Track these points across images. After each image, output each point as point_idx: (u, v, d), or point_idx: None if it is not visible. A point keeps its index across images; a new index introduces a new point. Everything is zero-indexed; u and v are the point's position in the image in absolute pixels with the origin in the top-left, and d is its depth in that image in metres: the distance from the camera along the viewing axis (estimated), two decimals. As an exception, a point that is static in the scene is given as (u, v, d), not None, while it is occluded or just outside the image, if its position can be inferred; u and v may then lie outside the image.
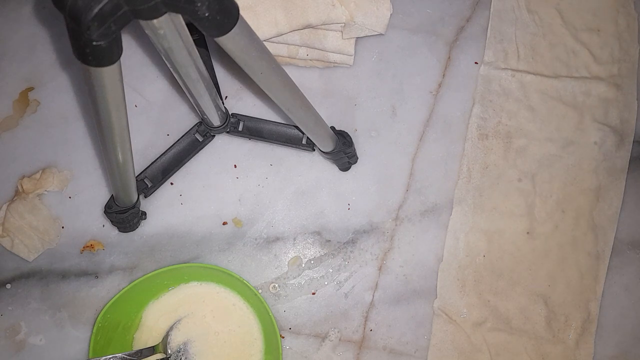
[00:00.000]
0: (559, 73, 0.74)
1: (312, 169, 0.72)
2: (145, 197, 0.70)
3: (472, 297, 0.70)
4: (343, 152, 0.66)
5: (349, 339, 0.69)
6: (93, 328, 0.63)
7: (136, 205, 0.65)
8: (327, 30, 0.70)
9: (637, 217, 0.72)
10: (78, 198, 0.71)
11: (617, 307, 0.71)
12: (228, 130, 0.68)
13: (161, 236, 0.71)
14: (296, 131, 0.69)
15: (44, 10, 0.76)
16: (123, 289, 0.63)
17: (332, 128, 0.65)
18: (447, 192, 0.72)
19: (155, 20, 0.35)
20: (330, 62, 0.73)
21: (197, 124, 0.70)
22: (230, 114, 0.68)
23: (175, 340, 0.66)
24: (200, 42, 0.69)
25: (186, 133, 0.70)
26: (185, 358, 0.66)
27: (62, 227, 0.71)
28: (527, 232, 0.71)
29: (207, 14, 0.34)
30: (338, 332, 0.69)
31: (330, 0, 0.68)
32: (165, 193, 0.71)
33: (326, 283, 0.70)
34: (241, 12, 0.37)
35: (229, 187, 0.72)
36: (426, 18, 0.75)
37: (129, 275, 0.70)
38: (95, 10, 0.31)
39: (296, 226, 0.71)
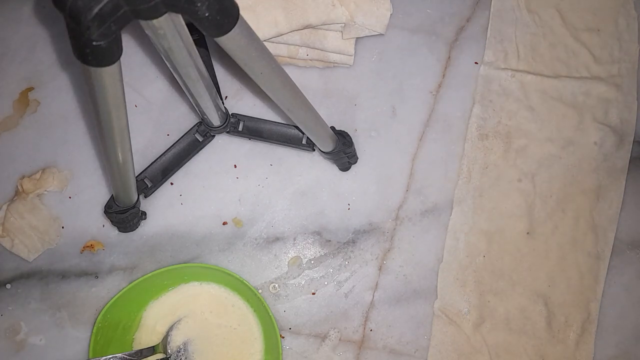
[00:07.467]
0: (559, 73, 0.74)
1: (312, 169, 0.72)
2: (145, 197, 0.70)
3: (472, 297, 0.70)
4: (343, 152, 0.66)
5: (349, 339, 0.69)
6: (93, 328, 0.63)
7: (136, 205, 0.65)
8: (327, 30, 0.70)
9: (637, 217, 0.72)
10: (78, 198, 0.71)
11: (617, 307, 0.71)
12: (228, 130, 0.68)
13: (161, 236, 0.71)
14: (296, 131, 0.69)
15: (44, 10, 0.76)
16: (123, 289, 0.63)
17: (332, 128, 0.65)
18: (447, 192, 0.72)
19: (155, 20, 0.35)
20: (330, 62, 0.73)
21: (197, 124, 0.70)
22: (230, 114, 0.68)
23: (175, 340, 0.66)
24: (200, 42, 0.69)
25: (186, 133, 0.70)
26: (185, 358, 0.66)
27: (62, 227, 0.71)
28: (527, 232, 0.71)
29: (207, 14, 0.34)
30: (338, 332, 0.69)
31: (330, 0, 0.68)
32: (165, 193, 0.71)
33: (326, 283, 0.70)
34: (241, 12, 0.37)
35: (229, 187, 0.72)
36: (426, 18, 0.75)
37: (129, 275, 0.70)
38: (95, 10, 0.31)
39: (296, 226, 0.71)
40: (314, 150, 0.70)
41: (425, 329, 0.69)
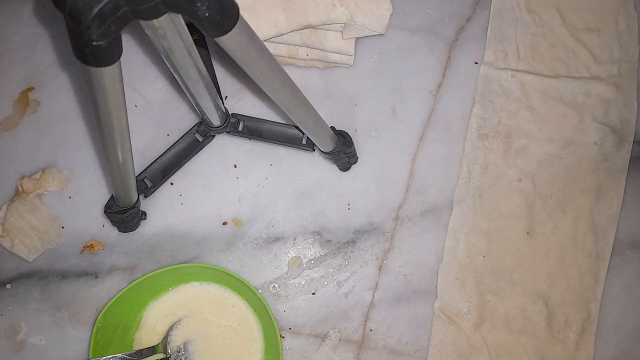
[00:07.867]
0: (559, 73, 0.74)
1: (312, 169, 0.72)
2: (145, 197, 0.70)
3: (472, 297, 0.70)
4: (343, 152, 0.66)
5: (349, 339, 0.69)
6: (93, 328, 0.63)
7: (136, 205, 0.65)
8: (327, 30, 0.70)
9: (637, 217, 0.72)
10: (78, 198, 0.71)
11: (617, 307, 0.71)
12: (228, 130, 0.68)
13: (161, 236, 0.71)
14: (296, 131, 0.69)
15: (44, 10, 0.76)
16: (123, 289, 0.63)
17: (332, 128, 0.65)
18: (447, 192, 0.72)
19: (155, 20, 0.35)
20: (330, 62, 0.73)
21: (197, 124, 0.70)
22: (230, 114, 0.68)
23: (175, 340, 0.66)
24: (200, 42, 0.69)
25: (186, 133, 0.70)
26: (185, 358, 0.66)
27: (62, 227, 0.71)
28: (527, 232, 0.71)
29: (207, 14, 0.34)
30: (338, 332, 0.69)
31: (330, 0, 0.68)
32: (165, 193, 0.71)
33: (326, 283, 0.70)
34: (241, 12, 0.37)
35: (229, 187, 0.72)
36: (426, 18, 0.75)
37: (129, 275, 0.70)
38: (95, 10, 0.31)
39: (296, 226, 0.71)
40: (314, 150, 0.70)
41: (425, 329, 0.69)
